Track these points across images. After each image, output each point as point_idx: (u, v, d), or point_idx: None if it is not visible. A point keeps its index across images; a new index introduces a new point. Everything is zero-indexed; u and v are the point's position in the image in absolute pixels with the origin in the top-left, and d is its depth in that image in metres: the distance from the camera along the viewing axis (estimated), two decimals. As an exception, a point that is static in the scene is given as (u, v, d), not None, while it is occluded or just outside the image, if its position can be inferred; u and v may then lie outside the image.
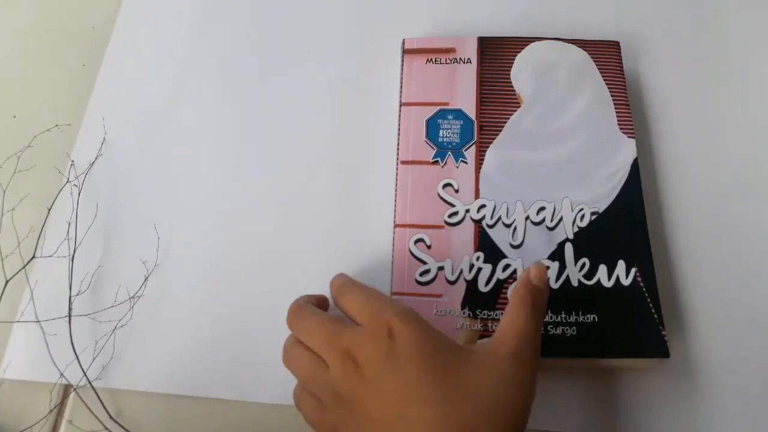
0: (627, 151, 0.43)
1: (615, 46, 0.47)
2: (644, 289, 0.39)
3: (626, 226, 0.41)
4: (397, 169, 0.44)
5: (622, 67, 0.46)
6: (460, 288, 0.40)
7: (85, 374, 0.40)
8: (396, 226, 0.42)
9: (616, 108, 0.45)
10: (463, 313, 0.39)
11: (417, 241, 0.41)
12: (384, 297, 0.35)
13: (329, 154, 0.47)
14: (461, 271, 0.40)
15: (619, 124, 0.44)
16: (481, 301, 0.39)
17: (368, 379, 0.31)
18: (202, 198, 0.46)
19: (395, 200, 0.43)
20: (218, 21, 0.53)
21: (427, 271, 0.40)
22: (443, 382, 0.30)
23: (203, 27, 0.53)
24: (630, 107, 0.45)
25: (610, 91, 0.45)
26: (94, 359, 0.41)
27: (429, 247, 0.41)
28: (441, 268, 0.40)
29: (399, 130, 0.45)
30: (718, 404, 0.38)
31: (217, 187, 0.47)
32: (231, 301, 0.43)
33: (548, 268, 0.39)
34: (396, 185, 0.43)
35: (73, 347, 0.41)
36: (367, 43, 0.51)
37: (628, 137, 0.44)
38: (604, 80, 0.46)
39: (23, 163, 0.48)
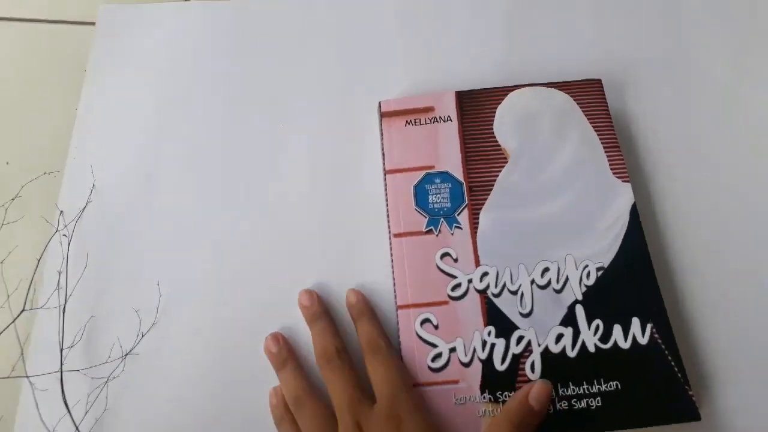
0: (624, 197, 0.42)
1: (597, 84, 0.46)
2: (663, 347, 0.37)
3: (635, 278, 0.40)
4: (390, 243, 0.42)
5: (606, 105, 0.45)
6: (476, 370, 0.38)
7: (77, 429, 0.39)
8: (398, 307, 0.40)
9: (606, 151, 0.44)
10: (484, 398, 0.37)
11: (423, 321, 0.39)
12: (405, 380, 0.37)
13: (315, 232, 0.45)
14: (474, 350, 0.38)
15: (612, 169, 0.43)
16: (500, 382, 0.37)
17: None
18: (196, 253, 0.45)
19: (393, 278, 0.41)
20: (192, 82, 0.51)
21: (439, 356, 0.38)
22: None
23: (179, 78, 0.51)
24: (620, 148, 0.44)
25: (597, 132, 0.44)
26: (86, 412, 0.40)
27: (436, 327, 0.39)
28: (453, 350, 0.38)
29: (386, 199, 0.43)
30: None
31: (212, 246, 0.45)
32: (228, 360, 0.41)
33: (552, 388, 0.37)
34: (392, 261, 0.41)
35: (66, 403, 0.40)
36: (343, 109, 0.49)
37: (623, 182, 0.42)
38: (590, 121, 0.45)
39: (12, 213, 0.47)
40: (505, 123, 0.45)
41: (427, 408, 0.36)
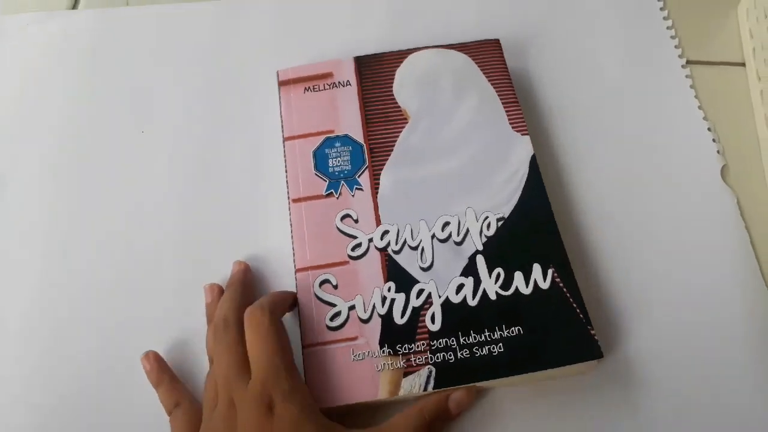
0: (522, 148, 0.42)
1: (495, 44, 0.46)
2: (565, 290, 0.37)
3: (535, 227, 0.39)
4: (289, 208, 0.41)
5: (505, 64, 0.45)
6: (375, 325, 0.37)
7: None
8: (297, 270, 0.39)
9: (505, 107, 0.43)
10: (383, 352, 0.36)
11: (322, 282, 0.38)
12: (283, 359, 0.33)
13: (214, 204, 0.44)
14: (374, 306, 0.37)
15: (510, 123, 0.43)
16: (400, 335, 0.36)
17: None
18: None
19: (292, 242, 0.39)
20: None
21: (338, 314, 0.37)
22: None
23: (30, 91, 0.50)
24: (520, 104, 0.43)
25: (497, 91, 0.44)
26: None
27: (336, 287, 0.38)
28: (352, 308, 0.37)
29: (285, 167, 0.42)
30: (660, 401, 0.36)
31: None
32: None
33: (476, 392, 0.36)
34: (291, 226, 0.40)
35: None
36: (242, 80, 0.48)
37: (522, 135, 0.42)
38: (489, 80, 0.45)
39: None
40: (404, 85, 0.45)
41: (306, 392, 0.33)
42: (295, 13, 0.52)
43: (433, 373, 0.35)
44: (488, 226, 0.39)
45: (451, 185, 0.41)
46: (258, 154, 0.45)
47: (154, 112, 0.48)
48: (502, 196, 0.40)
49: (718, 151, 0.44)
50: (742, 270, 0.40)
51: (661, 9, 0.51)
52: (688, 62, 0.49)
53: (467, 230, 0.39)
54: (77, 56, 0.51)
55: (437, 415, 0.34)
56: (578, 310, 0.36)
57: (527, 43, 0.49)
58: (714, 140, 0.45)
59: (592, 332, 0.35)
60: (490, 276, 0.38)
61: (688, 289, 0.39)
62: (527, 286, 0.37)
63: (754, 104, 0.46)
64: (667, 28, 0.50)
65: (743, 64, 0.48)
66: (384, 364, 0.35)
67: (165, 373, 0.37)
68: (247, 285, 0.39)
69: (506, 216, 0.39)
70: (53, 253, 0.43)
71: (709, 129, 0.45)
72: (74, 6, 0.54)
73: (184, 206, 0.44)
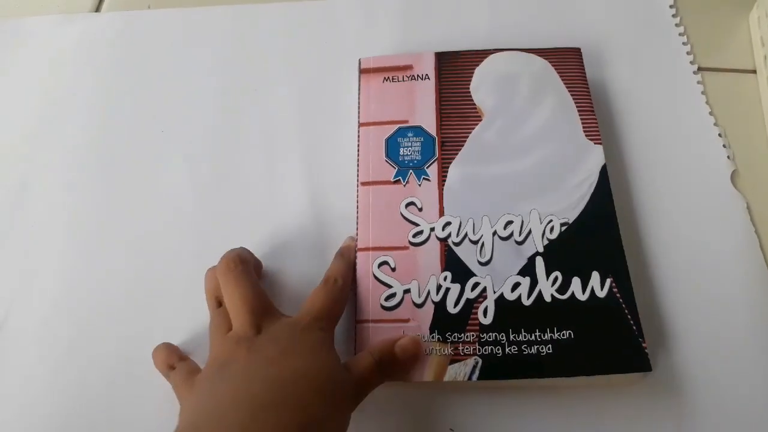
0: (594, 157, 0.42)
1: (576, 52, 0.46)
2: (621, 301, 0.36)
3: (598, 234, 0.39)
4: (357, 191, 0.42)
5: (584, 73, 0.45)
6: (428, 311, 0.37)
7: None
8: (358, 250, 0.40)
9: (580, 115, 0.43)
10: (432, 337, 0.36)
11: (381, 264, 0.39)
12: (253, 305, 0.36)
13: (284, 179, 0.46)
14: (428, 293, 0.38)
15: (584, 131, 0.43)
16: (451, 324, 0.37)
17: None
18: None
19: (357, 224, 0.41)
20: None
21: (392, 295, 0.38)
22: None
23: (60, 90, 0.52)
24: (595, 114, 0.43)
25: (574, 98, 0.44)
26: None
27: (393, 269, 0.39)
28: (407, 291, 0.38)
29: (358, 151, 0.43)
30: (705, 417, 0.35)
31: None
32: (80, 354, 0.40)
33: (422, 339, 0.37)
34: (357, 208, 0.41)
35: None
36: (324, 67, 0.50)
37: (595, 144, 0.42)
38: (567, 87, 0.45)
39: None
40: (482, 83, 0.45)
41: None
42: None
43: (479, 365, 0.35)
44: (551, 229, 0.39)
45: (519, 186, 0.41)
46: (335, 139, 0.47)
47: (175, 111, 0.49)
48: (569, 202, 0.40)
49: (728, 157, 0.44)
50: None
51: (673, 16, 0.51)
52: (700, 69, 0.48)
53: (530, 231, 0.39)
54: (100, 58, 0.52)
55: (383, 354, 0.35)
56: (632, 322, 0.36)
57: (605, 52, 0.49)
58: (724, 146, 0.44)
59: (644, 345, 0.35)
60: (547, 278, 0.38)
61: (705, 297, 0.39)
62: (584, 293, 0.37)
63: (764, 110, 0.46)
64: (680, 34, 0.50)
65: (754, 71, 0.48)
66: (432, 349, 0.36)
67: (164, 348, 0.38)
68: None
69: (570, 221, 0.39)
70: (75, 252, 0.44)
71: (719, 135, 0.45)
72: (97, 9, 0.56)
73: (212, 202, 0.45)
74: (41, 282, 0.43)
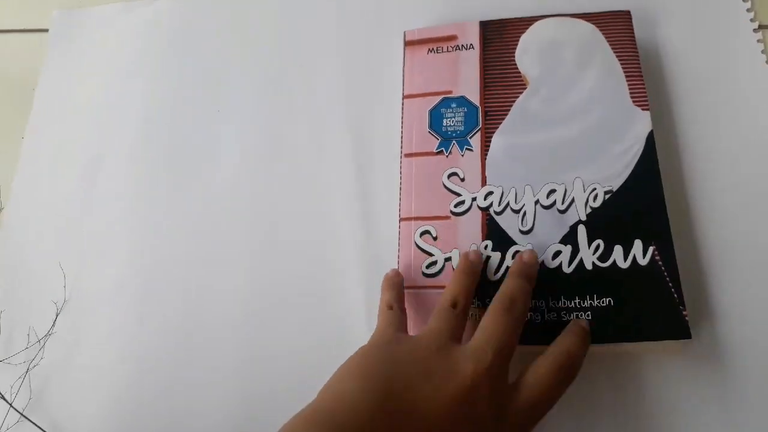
0: (641, 124, 0.41)
1: (626, 15, 0.45)
2: (663, 269, 0.36)
3: (643, 203, 0.39)
4: (401, 162, 0.43)
5: (633, 37, 0.44)
6: (469, 279, 0.38)
7: None
8: (401, 219, 0.41)
9: (628, 80, 0.43)
10: (474, 304, 0.37)
11: (423, 233, 0.40)
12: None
13: (331, 151, 0.47)
14: (469, 261, 0.39)
15: (631, 97, 0.42)
16: (491, 291, 0.37)
17: None
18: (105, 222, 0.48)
19: (400, 194, 0.42)
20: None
21: (434, 263, 0.39)
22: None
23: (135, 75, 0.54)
24: (643, 79, 0.42)
25: (622, 63, 0.43)
26: (11, 406, 0.41)
27: (435, 238, 0.40)
28: (448, 259, 0.39)
29: (402, 123, 0.44)
30: (746, 386, 0.35)
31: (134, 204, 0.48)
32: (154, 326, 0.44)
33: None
34: (401, 179, 0.42)
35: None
36: (369, 39, 0.51)
37: (642, 110, 0.41)
38: (615, 52, 0.44)
39: None
40: (527, 51, 0.45)
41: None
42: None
43: (519, 331, 0.36)
44: (595, 197, 0.39)
45: (562, 154, 0.41)
46: (378, 112, 0.48)
47: (228, 89, 0.51)
48: (613, 170, 0.40)
49: None
50: None
51: None
52: (761, 26, 0.46)
53: (572, 199, 0.39)
54: (159, 42, 0.54)
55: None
56: (673, 290, 0.36)
57: (657, 12, 0.47)
58: None
59: (684, 313, 0.35)
60: (589, 246, 0.38)
61: None
62: (625, 261, 0.37)
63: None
64: None
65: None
66: (473, 314, 0.37)
67: (396, 286, 0.39)
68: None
69: (614, 189, 0.39)
70: (142, 223, 0.47)
71: None
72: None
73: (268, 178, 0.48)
74: (112, 249, 0.47)
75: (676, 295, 0.35)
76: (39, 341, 0.44)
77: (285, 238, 0.44)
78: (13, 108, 0.53)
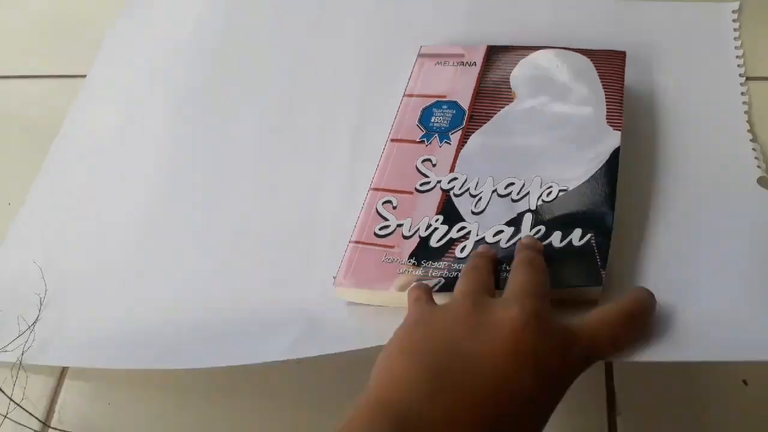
0: (610, 140, 0.43)
1: (621, 55, 0.48)
2: (595, 249, 0.37)
3: (593, 202, 0.40)
4: (385, 144, 0.47)
5: (623, 72, 0.47)
6: (413, 242, 0.41)
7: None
8: (371, 189, 0.45)
9: (607, 105, 0.45)
10: (409, 261, 0.40)
11: (385, 202, 0.44)
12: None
13: (333, 144, 0.52)
14: (418, 229, 0.41)
15: (607, 119, 0.45)
16: (428, 254, 0.40)
17: None
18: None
19: (376, 169, 0.46)
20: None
21: (386, 227, 0.42)
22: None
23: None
24: (623, 106, 0.45)
25: (606, 93, 0.46)
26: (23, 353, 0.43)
27: (395, 208, 0.43)
28: (400, 225, 0.42)
29: (396, 115, 0.49)
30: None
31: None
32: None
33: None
34: (380, 157, 0.46)
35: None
36: (391, 51, 0.56)
37: (614, 129, 0.44)
38: (603, 84, 0.47)
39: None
40: (522, 71, 0.49)
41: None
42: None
43: (441, 283, 0.38)
44: (549, 193, 0.41)
45: (530, 157, 0.44)
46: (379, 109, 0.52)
47: (257, 75, 0.58)
48: (574, 174, 0.42)
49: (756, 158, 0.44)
50: None
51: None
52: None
53: (528, 192, 0.42)
54: (203, 28, 0.61)
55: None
56: (599, 260, 0.37)
57: (658, 55, 0.51)
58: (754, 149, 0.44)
59: (602, 272, 0.36)
60: (530, 230, 0.40)
61: None
62: (561, 243, 0.38)
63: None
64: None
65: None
66: (405, 270, 0.39)
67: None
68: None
69: (569, 189, 0.41)
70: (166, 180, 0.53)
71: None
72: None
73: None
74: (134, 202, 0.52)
75: (599, 260, 0.37)
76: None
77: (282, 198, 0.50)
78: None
